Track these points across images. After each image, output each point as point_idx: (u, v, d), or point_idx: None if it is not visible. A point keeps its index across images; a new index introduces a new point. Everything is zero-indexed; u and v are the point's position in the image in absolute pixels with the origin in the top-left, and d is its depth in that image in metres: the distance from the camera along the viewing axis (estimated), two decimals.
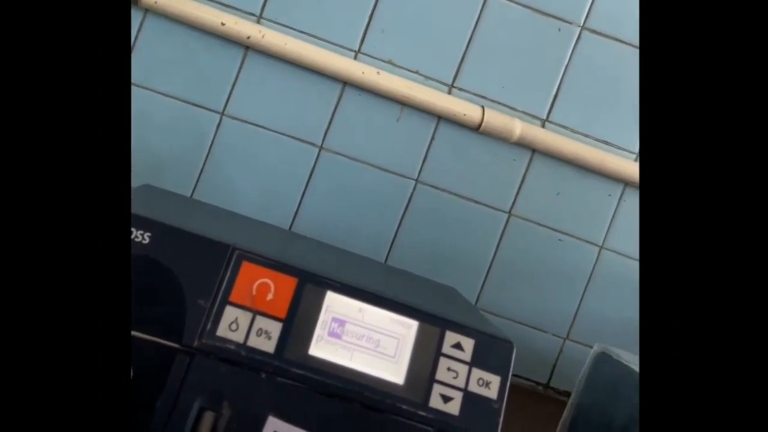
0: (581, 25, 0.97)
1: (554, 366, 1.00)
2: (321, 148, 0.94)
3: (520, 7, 0.96)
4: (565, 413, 0.70)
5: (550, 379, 1.00)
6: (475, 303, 0.98)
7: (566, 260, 0.99)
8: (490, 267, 0.98)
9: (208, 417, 0.48)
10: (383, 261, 0.96)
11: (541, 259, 0.99)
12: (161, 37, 0.90)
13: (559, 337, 0.99)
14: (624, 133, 0.98)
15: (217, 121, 0.92)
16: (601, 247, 1.00)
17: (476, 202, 0.97)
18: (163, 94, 0.91)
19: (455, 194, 0.97)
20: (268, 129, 0.93)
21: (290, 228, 0.94)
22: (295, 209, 0.94)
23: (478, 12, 0.95)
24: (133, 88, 0.90)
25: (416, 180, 0.96)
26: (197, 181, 0.92)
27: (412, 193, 0.96)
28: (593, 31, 0.97)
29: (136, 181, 0.86)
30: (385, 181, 0.95)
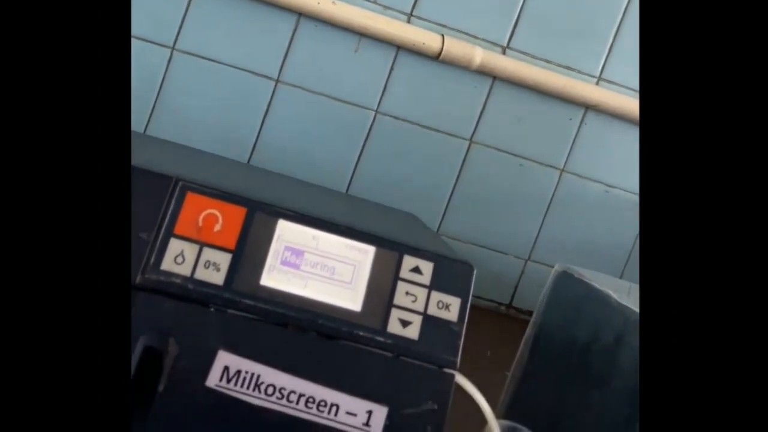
0: None
1: (516, 286, 0.97)
2: (277, 81, 0.87)
3: None
4: (528, 331, 0.67)
5: (512, 299, 0.97)
6: (437, 230, 0.94)
7: (528, 185, 0.95)
8: (452, 194, 0.94)
9: (154, 355, 0.43)
10: (344, 192, 0.91)
11: (503, 185, 0.94)
12: None
13: (520, 258, 0.96)
14: (586, 58, 0.93)
15: (168, 56, 0.84)
16: (563, 171, 0.95)
17: (437, 130, 0.92)
18: None
19: (416, 124, 0.91)
20: (222, 63, 0.86)
21: (248, 162, 0.88)
22: (252, 144, 0.88)
23: None
24: None
25: (376, 111, 0.90)
26: (149, 117, 0.85)
27: (372, 124, 0.90)
28: None
29: None
30: (344, 113, 0.89)
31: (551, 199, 0.96)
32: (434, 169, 0.93)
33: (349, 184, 0.91)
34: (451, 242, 0.94)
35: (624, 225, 0.98)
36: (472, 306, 0.93)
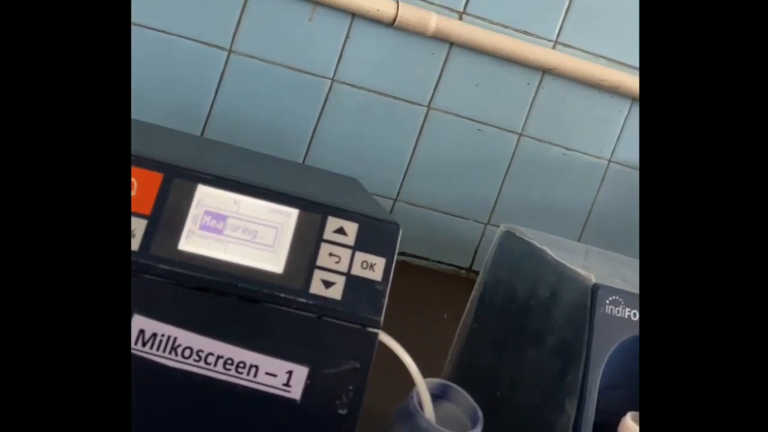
0: None
1: (476, 250, 0.97)
2: (230, 51, 0.86)
3: None
4: (474, 291, 0.66)
5: (472, 262, 0.97)
6: (396, 197, 0.93)
7: (486, 149, 0.94)
8: (410, 161, 0.93)
9: None
10: (301, 161, 0.90)
11: (462, 150, 0.93)
12: None
13: (480, 222, 0.95)
14: (542, 22, 0.91)
15: None
16: (520, 134, 0.94)
17: (395, 97, 0.91)
18: None
19: (373, 91, 0.90)
20: (173, 34, 0.84)
21: (201, 134, 0.87)
22: (206, 115, 0.86)
23: None
24: None
25: (332, 79, 0.89)
26: None
27: (328, 93, 0.89)
28: None
29: None
30: (300, 82, 0.88)
31: (510, 163, 0.95)
32: (392, 136, 0.91)
33: (306, 153, 0.89)
34: (411, 208, 0.93)
35: (582, 188, 0.97)
36: (432, 270, 0.93)
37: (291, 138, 0.89)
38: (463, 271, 0.96)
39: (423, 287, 0.89)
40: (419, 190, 0.93)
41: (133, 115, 0.81)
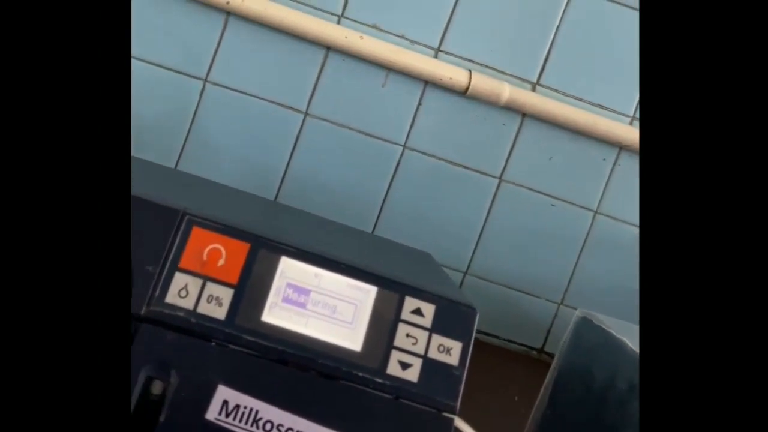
0: None
1: (548, 331, 0.97)
2: (306, 114, 0.91)
3: None
4: (548, 377, 0.68)
5: (544, 344, 0.98)
6: (467, 270, 0.95)
7: (560, 225, 0.96)
8: (481, 233, 0.95)
9: (156, 386, 0.46)
10: (371, 229, 0.93)
11: (534, 225, 0.95)
12: (142, 4, 0.87)
13: (553, 302, 0.96)
14: (618, 96, 0.94)
15: (201, 88, 0.89)
16: (596, 212, 0.96)
17: (466, 167, 0.94)
18: (144, 60, 0.88)
19: (444, 160, 0.94)
20: (252, 95, 0.90)
21: (276, 197, 0.92)
22: (280, 177, 0.91)
23: None
24: None
25: (404, 146, 0.93)
26: (182, 149, 0.90)
27: (399, 159, 0.93)
28: None
29: None
30: (372, 148, 0.92)
31: (585, 242, 0.96)
32: (463, 207, 0.94)
33: (377, 220, 0.93)
34: (481, 283, 0.95)
35: None
36: (502, 349, 0.94)
37: (362, 204, 0.92)
38: (534, 352, 0.97)
39: (493, 366, 0.90)
40: (490, 264, 0.95)
41: (212, 175, 0.87)
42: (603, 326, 0.63)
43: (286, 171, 0.91)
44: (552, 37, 0.93)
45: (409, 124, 0.93)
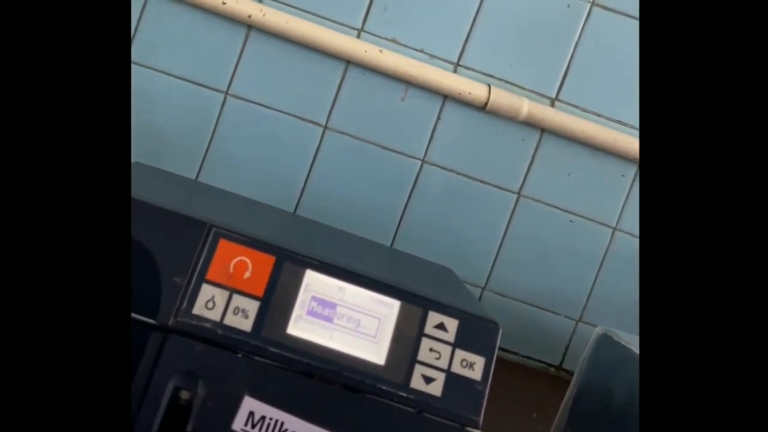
0: (591, 0, 0.93)
1: (567, 347, 0.98)
2: (325, 127, 0.92)
3: None
4: (568, 394, 0.68)
5: (562, 360, 0.98)
6: (485, 285, 0.96)
7: (578, 242, 0.97)
8: (500, 248, 0.96)
9: (184, 396, 0.47)
10: (390, 243, 0.94)
11: (553, 241, 0.96)
12: (164, 16, 0.89)
13: (571, 319, 0.97)
14: (636, 112, 0.95)
15: (222, 101, 0.91)
16: (615, 229, 0.97)
17: (484, 182, 0.95)
18: (166, 73, 0.90)
19: (463, 174, 0.95)
20: (272, 108, 0.92)
21: (295, 209, 0.93)
22: (300, 190, 0.93)
23: None
24: (138, 68, 0.89)
25: (422, 160, 0.94)
26: (202, 161, 0.91)
27: (418, 174, 0.94)
28: (604, 7, 0.93)
29: (138, 161, 0.85)
30: (391, 161, 0.94)
31: (603, 258, 0.97)
32: (482, 222, 0.95)
33: (395, 233, 0.94)
34: (499, 299, 0.96)
35: None
36: (520, 365, 0.95)
37: (381, 217, 0.94)
38: (552, 369, 0.97)
39: (511, 382, 0.91)
40: (508, 279, 0.96)
41: (232, 187, 0.89)
42: (623, 343, 0.64)
43: (305, 184, 0.93)
44: (571, 52, 0.94)
45: (428, 138, 0.94)
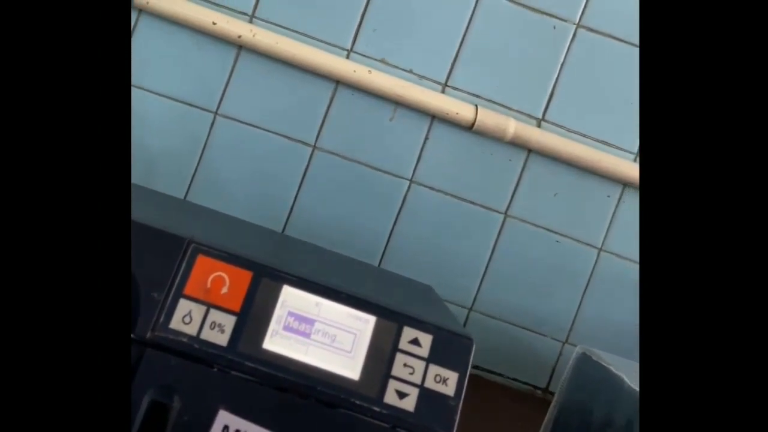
0: (576, 22, 0.95)
1: (553, 369, 0.99)
2: (314, 147, 0.94)
3: (513, 4, 0.95)
4: (548, 414, 0.69)
5: (549, 383, 0.99)
6: (472, 305, 0.97)
7: (565, 262, 0.98)
8: (486, 269, 0.97)
9: (159, 410, 0.48)
10: (378, 263, 0.95)
11: (539, 261, 0.97)
12: (154, 36, 0.91)
13: (557, 341, 0.98)
14: (622, 133, 0.97)
15: (211, 120, 0.93)
16: (600, 249, 0.98)
17: (471, 202, 0.97)
18: (156, 93, 0.92)
19: (450, 194, 0.96)
20: (261, 128, 0.93)
21: (284, 229, 0.94)
22: (288, 209, 0.94)
23: (472, 10, 0.94)
24: None
25: (410, 180, 0.96)
26: (191, 181, 0.93)
27: (406, 194, 0.96)
28: (589, 29, 0.95)
29: None
30: (379, 181, 0.95)
31: (589, 279, 0.98)
32: (469, 242, 0.97)
33: (383, 254, 0.95)
34: (486, 319, 0.97)
35: None
36: (506, 387, 0.96)
37: (369, 237, 0.95)
38: (539, 392, 0.98)
39: (496, 404, 0.91)
40: (495, 300, 0.97)
41: (221, 206, 0.90)
42: (602, 362, 0.65)
43: (294, 203, 0.94)
44: (557, 73, 0.96)
45: (416, 158, 0.95)
